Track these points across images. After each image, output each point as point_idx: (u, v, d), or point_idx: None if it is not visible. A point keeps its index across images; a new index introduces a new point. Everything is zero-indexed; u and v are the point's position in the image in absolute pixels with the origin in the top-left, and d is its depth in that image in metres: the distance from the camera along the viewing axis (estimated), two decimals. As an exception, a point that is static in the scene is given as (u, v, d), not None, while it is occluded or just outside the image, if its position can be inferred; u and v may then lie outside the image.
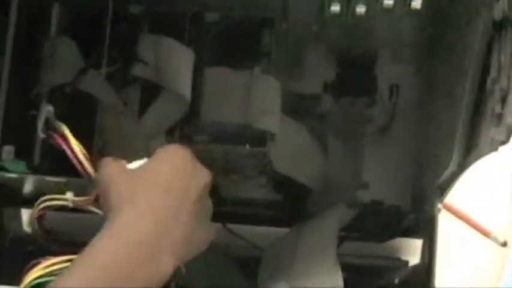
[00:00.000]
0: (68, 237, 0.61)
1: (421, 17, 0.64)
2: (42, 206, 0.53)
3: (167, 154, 0.46)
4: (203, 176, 0.46)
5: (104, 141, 0.63)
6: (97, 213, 0.51)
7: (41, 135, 0.53)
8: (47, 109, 0.52)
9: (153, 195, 0.43)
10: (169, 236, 0.42)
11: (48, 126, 0.52)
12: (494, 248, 0.80)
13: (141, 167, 0.45)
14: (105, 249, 0.41)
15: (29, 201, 0.70)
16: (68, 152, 0.49)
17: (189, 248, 0.44)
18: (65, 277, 0.41)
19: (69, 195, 0.51)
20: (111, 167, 0.45)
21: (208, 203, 0.47)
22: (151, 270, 0.41)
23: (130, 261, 0.40)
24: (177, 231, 0.43)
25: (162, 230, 0.42)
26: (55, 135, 0.50)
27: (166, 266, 0.42)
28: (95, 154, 0.59)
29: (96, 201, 0.49)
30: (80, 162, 0.49)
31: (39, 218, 0.54)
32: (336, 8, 0.62)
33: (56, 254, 0.55)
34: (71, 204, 0.51)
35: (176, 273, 0.44)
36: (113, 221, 0.42)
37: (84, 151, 0.49)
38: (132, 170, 0.45)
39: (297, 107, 0.69)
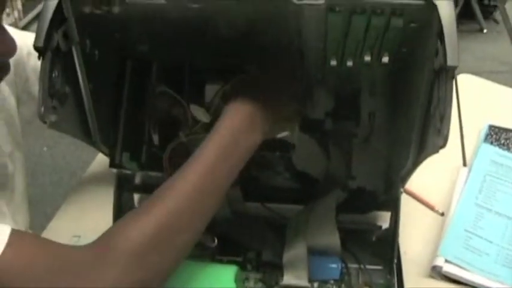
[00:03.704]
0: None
1: (389, 68, 0.73)
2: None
3: None
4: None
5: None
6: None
7: None
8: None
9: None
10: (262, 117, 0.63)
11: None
12: (436, 217, 0.93)
13: None
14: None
15: (139, 189, 0.88)
16: None
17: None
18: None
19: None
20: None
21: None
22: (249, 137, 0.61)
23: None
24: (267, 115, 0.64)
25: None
26: None
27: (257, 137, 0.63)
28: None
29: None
30: None
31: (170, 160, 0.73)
32: (333, 62, 0.72)
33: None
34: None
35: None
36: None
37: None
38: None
39: (309, 127, 0.80)
